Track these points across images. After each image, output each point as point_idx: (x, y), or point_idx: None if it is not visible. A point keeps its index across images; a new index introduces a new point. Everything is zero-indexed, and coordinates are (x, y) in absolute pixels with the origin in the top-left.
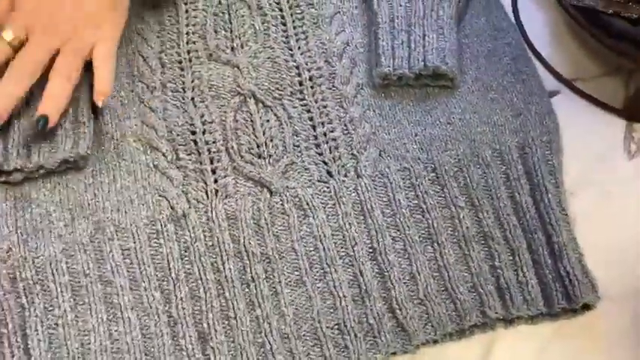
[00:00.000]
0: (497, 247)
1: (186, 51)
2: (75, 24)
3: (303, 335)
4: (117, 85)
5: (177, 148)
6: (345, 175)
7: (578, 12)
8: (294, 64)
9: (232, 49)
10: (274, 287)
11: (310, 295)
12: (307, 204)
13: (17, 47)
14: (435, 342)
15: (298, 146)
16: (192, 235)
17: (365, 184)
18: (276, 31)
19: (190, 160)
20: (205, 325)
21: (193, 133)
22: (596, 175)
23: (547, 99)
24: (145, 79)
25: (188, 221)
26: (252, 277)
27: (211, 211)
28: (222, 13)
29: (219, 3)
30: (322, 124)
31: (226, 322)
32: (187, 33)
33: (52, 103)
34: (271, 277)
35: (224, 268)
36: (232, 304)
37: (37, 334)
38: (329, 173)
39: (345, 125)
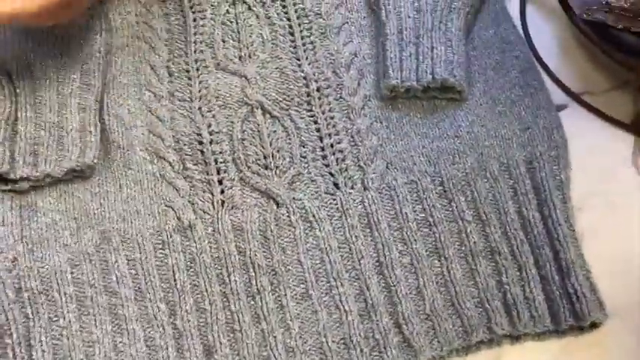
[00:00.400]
0: (504, 263)
1: (194, 60)
2: None
3: (309, 350)
4: (124, 93)
5: (184, 158)
6: (352, 188)
7: (588, 26)
8: (302, 74)
9: (240, 58)
10: (280, 300)
11: (316, 309)
12: (314, 216)
13: None
14: (442, 358)
15: (305, 157)
16: (199, 246)
17: (372, 196)
18: (284, 41)
19: (197, 170)
20: (210, 337)
21: (200, 143)
22: (603, 191)
23: (555, 113)
24: (152, 87)
25: (194, 232)
26: (257, 289)
27: (217, 222)
28: (231, 22)
29: (228, 12)
30: (329, 135)
31: (231, 335)
32: (195, 42)
33: None
34: (277, 289)
35: (230, 280)
36: (238, 316)
37: (42, 344)
38: (336, 185)
39: (352, 137)
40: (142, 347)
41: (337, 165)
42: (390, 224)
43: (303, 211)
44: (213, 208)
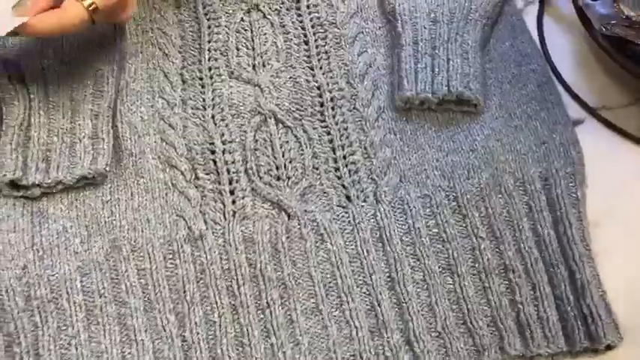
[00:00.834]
0: (517, 281)
1: (207, 68)
2: None
3: None
4: (137, 100)
5: (196, 167)
6: (364, 201)
7: (607, 40)
8: (316, 84)
9: (254, 67)
10: (289, 314)
11: (326, 325)
12: (325, 229)
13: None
14: None
15: (317, 169)
16: (209, 257)
17: (384, 210)
18: (298, 50)
19: (209, 179)
20: (219, 351)
21: (213, 152)
22: (620, 208)
23: (572, 128)
24: (165, 95)
25: (205, 243)
26: (267, 302)
27: (228, 233)
28: (245, 30)
29: (242, 20)
30: (342, 147)
31: (240, 349)
32: (209, 50)
33: None
34: (287, 303)
35: (239, 293)
36: (247, 330)
37: (50, 353)
38: (348, 198)
39: (366, 149)
40: (150, 359)
41: (350, 177)
42: (402, 239)
43: (315, 223)
44: (225, 218)
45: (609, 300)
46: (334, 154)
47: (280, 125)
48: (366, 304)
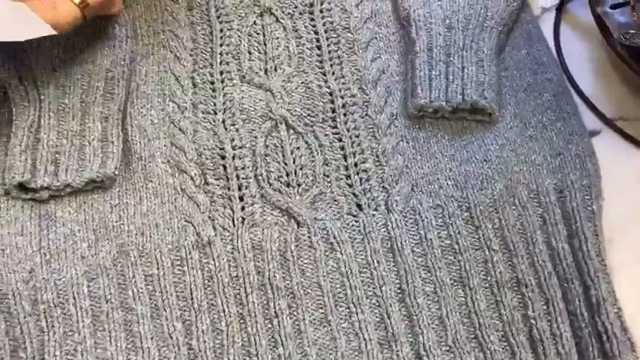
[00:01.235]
0: (530, 295)
1: (219, 72)
2: None
3: None
4: (147, 103)
5: (205, 172)
6: (375, 209)
7: (626, 50)
8: (328, 90)
9: (266, 71)
10: (298, 325)
11: (335, 336)
12: (335, 237)
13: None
14: None
15: (328, 176)
16: (217, 264)
17: (395, 219)
18: (310, 55)
19: (218, 185)
20: None
21: (223, 157)
22: (636, 222)
23: (588, 139)
24: (176, 98)
25: (213, 249)
26: (275, 312)
27: (237, 240)
28: (257, 34)
29: (255, 23)
30: (354, 154)
31: (247, 359)
32: (221, 53)
33: None
34: (295, 313)
35: (247, 301)
36: (254, 340)
37: (56, 359)
38: (358, 206)
39: (377, 156)
40: None
41: (361, 185)
42: (413, 250)
43: (324, 232)
44: (233, 225)
45: (625, 318)
46: (345, 161)
47: (291, 131)
48: (376, 316)
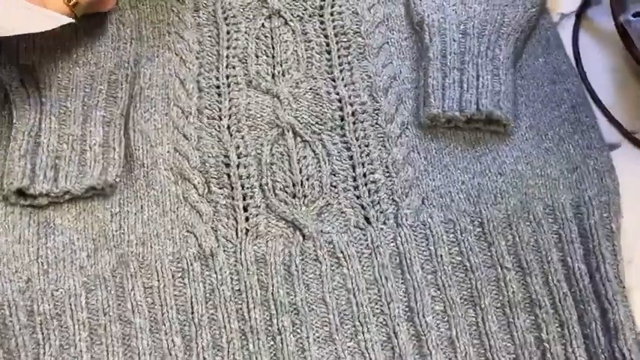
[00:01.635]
0: (544, 317)
1: (225, 76)
2: None
3: None
4: (151, 108)
5: (209, 180)
6: (384, 223)
7: None
8: (337, 97)
9: (273, 76)
10: (301, 343)
11: (339, 355)
12: (341, 252)
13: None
14: None
15: (335, 187)
16: (219, 277)
17: (405, 234)
18: (319, 59)
19: (222, 194)
20: None
21: (227, 165)
22: None
23: (607, 153)
24: (180, 103)
25: (215, 261)
26: (278, 329)
27: (240, 253)
28: (265, 37)
29: (263, 26)
30: (362, 164)
31: None
32: (227, 56)
33: None
34: (299, 330)
35: (249, 317)
36: (256, 358)
37: None
38: (366, 219)
39: (387, 167)
40: None
41: (369, 197)
42: (423, 266)
43: (331, 245)
44: (237, 236)
45: None
46: (354, 171)
47: (298, 139)
48: (383, 335)
